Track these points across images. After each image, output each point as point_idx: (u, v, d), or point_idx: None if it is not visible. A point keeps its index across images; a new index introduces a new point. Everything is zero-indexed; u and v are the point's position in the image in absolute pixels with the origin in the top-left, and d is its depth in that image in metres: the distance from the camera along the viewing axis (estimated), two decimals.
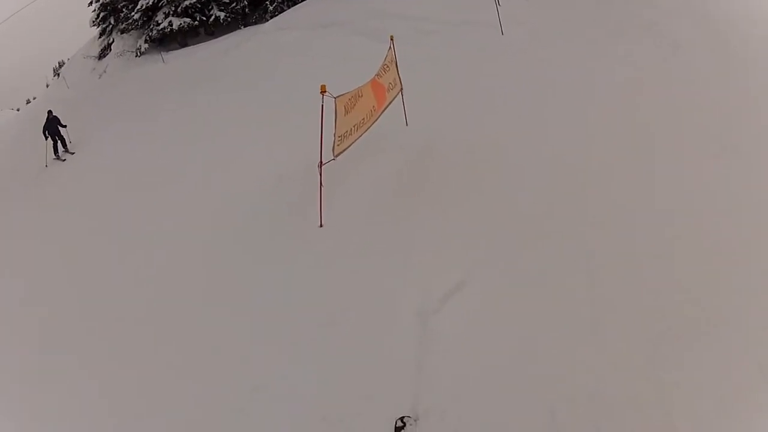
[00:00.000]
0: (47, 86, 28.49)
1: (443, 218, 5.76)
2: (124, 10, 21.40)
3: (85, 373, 5.38)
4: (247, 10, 20.60)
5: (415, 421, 3.73)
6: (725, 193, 4.85)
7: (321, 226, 6.33)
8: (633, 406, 3.38)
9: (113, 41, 22.63)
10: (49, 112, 14.67)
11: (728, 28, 7.92)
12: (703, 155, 5.42)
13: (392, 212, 6.17)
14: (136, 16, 20.76)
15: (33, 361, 5.87)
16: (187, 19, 20.46)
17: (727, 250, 4.27)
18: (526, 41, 10.17)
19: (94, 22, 23.24)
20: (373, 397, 4.01)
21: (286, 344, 4.80)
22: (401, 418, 3.74)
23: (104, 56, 23.01)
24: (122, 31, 21.89)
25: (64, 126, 14.65)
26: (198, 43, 20.56)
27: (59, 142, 14.52)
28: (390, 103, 7.65)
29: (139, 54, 21.19)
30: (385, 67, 7.54)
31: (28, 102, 32.31)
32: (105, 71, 21.95)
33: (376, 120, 7.18)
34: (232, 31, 19.94)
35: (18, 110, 29.89)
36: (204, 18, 20.63)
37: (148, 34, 20.90)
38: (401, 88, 8.05)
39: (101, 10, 22.56)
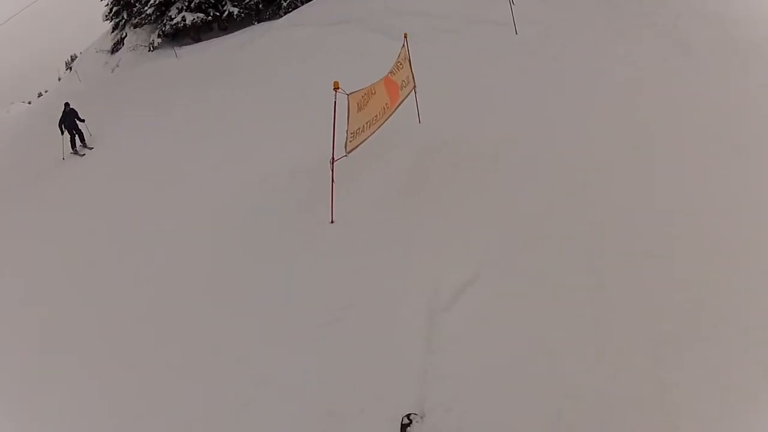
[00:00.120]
0: (59, 80, 28.63)
1: (454, 216, 5.75)
2: (137, 4, 21.48)
3: (85, 373, 5.33)
4: (260, 5, 20.61)
5: (421, 418, 3.73)
6: (725, 193, 4.84)
7: (332, 222, 6.33)
8: (634, 406, 3.37)
9: (126, 35, 22.76)
10: (66, 104, 14.17)
11: (729, 28, 7.97)
12: (703, 155, 5.42)
13: (402, 209, 6.18)
14: (149, 11, 20.83)
15: (33, 361, 5.81)
16: (201, 15, 20.50)
17: (727, 250, 4.25)
18: (538, 40, 10.24)
19: (106, 16, 23.39)
20: (379, 394, 4.00)
21: (290, 342, 4.76)
22: (407, 415, 3.73)
23: (117, 50, 23.17)
24: (135, 26, 22.02)
25: (83, 120, 14.14)
26: (211, 38, 20.63)
27: (77, 136, 13.99)
28: (403, 100, 7.63)
29: (152, 48, 21.27)
30: (398, 64, 7.51)
31: (40, 95, 32.61)
32: (118, 65, 22.07)
33: (389, 117, 7.17)
34: (245, 27, 20.00)
35: (29, 103, 30.15)
36: (217, 13, 20.66)
37: (161, 29, 20.96)
38: (414, 86, 8.02)
39: (114, 5, 22.70)
